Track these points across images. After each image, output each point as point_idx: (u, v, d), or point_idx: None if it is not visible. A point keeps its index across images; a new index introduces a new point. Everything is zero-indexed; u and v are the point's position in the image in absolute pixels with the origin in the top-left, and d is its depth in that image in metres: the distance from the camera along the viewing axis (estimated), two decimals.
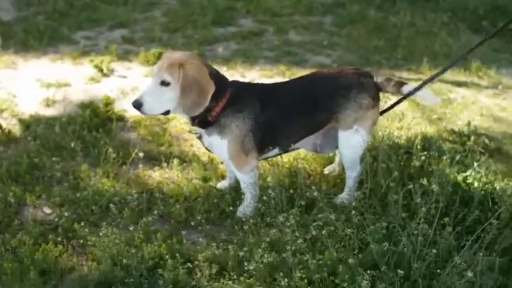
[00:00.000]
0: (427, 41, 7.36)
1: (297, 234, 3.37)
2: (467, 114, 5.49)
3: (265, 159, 4.04)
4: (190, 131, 4.70)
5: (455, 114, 5.53)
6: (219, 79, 3.57)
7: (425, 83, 3.91)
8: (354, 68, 3.93)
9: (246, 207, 3.80)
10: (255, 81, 6.03)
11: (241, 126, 3.58)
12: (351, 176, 3.93)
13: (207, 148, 3.79)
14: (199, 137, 3.74)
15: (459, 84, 6.28)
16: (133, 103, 3.46)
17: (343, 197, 3.94)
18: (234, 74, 6.34)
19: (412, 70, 6.57)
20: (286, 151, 3.91)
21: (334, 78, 3.78)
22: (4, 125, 4.96)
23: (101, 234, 3.52)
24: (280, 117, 3.69)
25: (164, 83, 3.43)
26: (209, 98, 3.47)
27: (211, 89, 3.47)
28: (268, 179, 4.07)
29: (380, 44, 7.25)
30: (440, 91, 5.97)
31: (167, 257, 3.33)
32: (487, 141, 4.87)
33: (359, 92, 3.72)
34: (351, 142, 3.79)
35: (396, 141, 4.52)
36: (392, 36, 7.56)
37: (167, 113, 3.54)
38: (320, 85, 3.78)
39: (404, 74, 6.42)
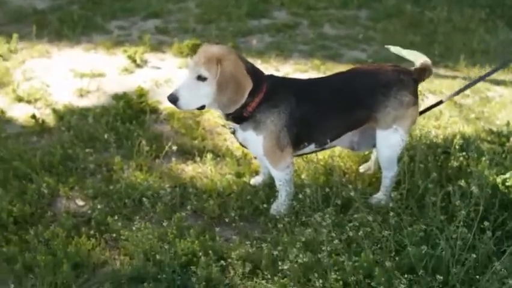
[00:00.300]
0: (464, 38, 7.21)
1: (333, 234, 3.30)
2: (505, 114, 5.36)
3: (301, 155, 3.97)
4: (224, 126, 4.65)
5: (493, 113, 5.40)
6: (255, 74, 3.50)
7: (469, 85, 3.81)
8: (393, 65, 3.84)
9: (280, 205, 3.74)
10: (290, 76, 5.98)
11: (277, 121, 3.51)
12: (388, 176, 3.85)
13: (241, 143, 3.74)
14: (233, 132, 3.68)
15: (497, 82, 6.13)
16: (168, 97, 3.41)
17: (379, 197, 3.86)
18: (267, 67, 6.27)
19: (449, 67, 6.43)
20: (322, 148, 3.84)
21: (373, 75, 3.70)
22: (38, 115, 4.96)
23: (134, 228, 3.50)
24: (316, 112, 3.62)
25: (200, 78, 3.38)
26: (246, 95, 3.41)
27: (249, 86, 3.41)
28: (303, 176, 4.01)
29: (416, 40, 7.10)
30: (477, 89, 5.84)
31: (200, 253, 3.29)
32: None
33: (400, 89, 3.63)
34: (389, 142, 3.70)
35: (433, 140, 4.42)
36: (429, 32, 7.42)
37: (202, 107, 3.50)
38: (359, 81, 3.71)
39: (441, 71, 6.30)
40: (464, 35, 7.30)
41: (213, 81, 3.37)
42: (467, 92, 5.69)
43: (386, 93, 3.62)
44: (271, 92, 3.52)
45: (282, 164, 3.62)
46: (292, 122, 3.54)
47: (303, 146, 3.69)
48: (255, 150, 3.66)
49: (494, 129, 4.93)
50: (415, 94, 3.72)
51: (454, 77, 6.14)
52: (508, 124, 4.89)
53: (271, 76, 3.70)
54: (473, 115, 5.32)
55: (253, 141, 3.59)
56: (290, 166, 3.66)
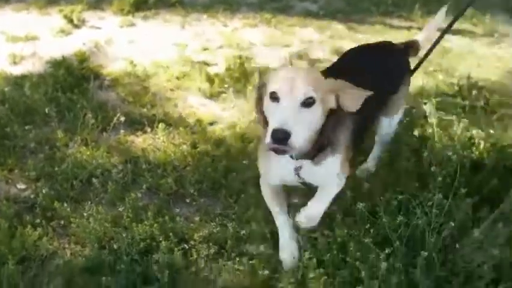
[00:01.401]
0: None
1: None
2: (465, 66, 5.19)
3: None
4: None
5: (451, 65, 5.22)
6: None
7: (437, 41, 3.60)
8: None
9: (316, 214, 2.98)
10: (239, 30, 5.69)
11: (345, 130, 2.86)
12: (380, 149, 3.57)
13: (302, 183, 2.94)
14: (297, 169, 2.84)
15: (452, 32, 5.91)
16: (274, 135, 2.40)
17: (368, 166, 3.61)
18: (215, 23, 5.94)
19: (403, 17, 6.21)
20: None
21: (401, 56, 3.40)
22: None
23: (85, 214, 3.19)
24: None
25: (306, 103, 2.52)
26: None
27: None
28: None
29: None
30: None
31: (160, 238, 3.02)
32: (487, 95, 4.57)
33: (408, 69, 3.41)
34: (392, 129, 3.45)
35: None
36: None
37: None
38: (389, 60, 3.32)
39: (395, 22, 6.09)
40: None
41: (319, 106, 2.58)
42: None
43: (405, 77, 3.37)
44: None
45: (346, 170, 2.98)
46: (353, 121, 2.90)
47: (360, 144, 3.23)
48: (331, 172, 2.89)
49: (455, 81, 4.76)
50: None
51: (409, 28, 5.94)
52: (468, 77, 4.72)
53: None
54: (431, 68, 5.12)
55: (330, 165, 2.83)
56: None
